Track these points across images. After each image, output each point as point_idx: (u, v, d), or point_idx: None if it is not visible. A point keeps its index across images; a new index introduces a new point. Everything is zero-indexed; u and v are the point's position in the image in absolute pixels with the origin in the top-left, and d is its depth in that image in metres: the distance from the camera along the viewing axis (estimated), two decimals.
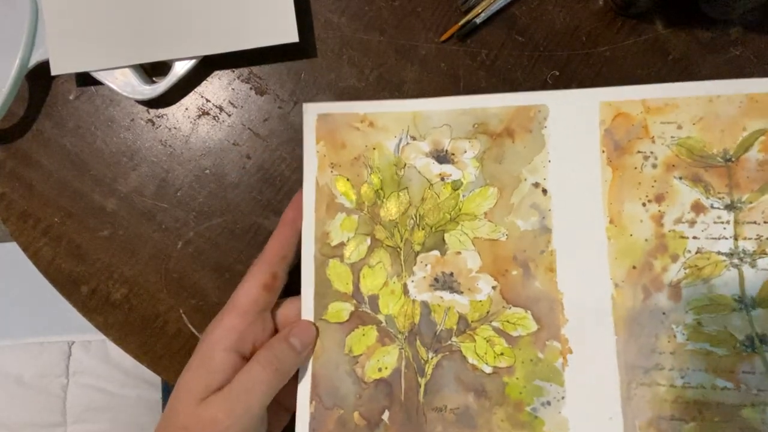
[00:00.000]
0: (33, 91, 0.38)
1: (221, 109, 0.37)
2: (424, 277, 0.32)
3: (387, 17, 0.36)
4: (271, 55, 0.34)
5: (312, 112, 0.35)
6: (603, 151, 0.32)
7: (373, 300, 0.33)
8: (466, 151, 0.33)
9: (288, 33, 0.33)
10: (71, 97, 0.38)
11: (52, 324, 0.52)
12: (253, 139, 0.37)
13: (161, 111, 0.37)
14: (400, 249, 0.33)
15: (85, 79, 0.37)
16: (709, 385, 0.29)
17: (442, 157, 0.34)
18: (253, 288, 0.31)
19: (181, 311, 0.37)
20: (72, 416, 0.50)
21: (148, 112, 0.37)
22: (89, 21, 0.34)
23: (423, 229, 0.33)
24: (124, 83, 0.35)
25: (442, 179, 0.33)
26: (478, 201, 0.33)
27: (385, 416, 0.31)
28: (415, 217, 0.33)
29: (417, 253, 0.33)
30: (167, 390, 0.31)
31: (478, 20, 0.35)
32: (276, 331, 0.33)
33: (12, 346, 0.51)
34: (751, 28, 0.32)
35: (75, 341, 0.52)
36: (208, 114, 0.37)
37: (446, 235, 0.33)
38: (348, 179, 0.34)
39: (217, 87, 0.37)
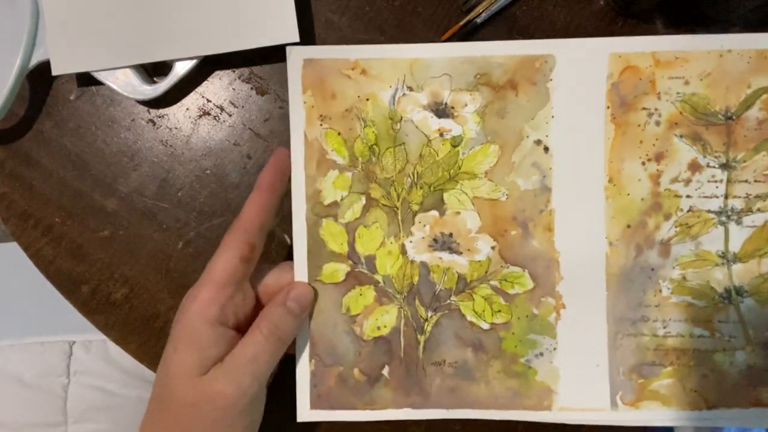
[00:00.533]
0: (34, 91, 0.37)
1: (222, 109, 0.36)
2: (423, 238, 0.32)
3: (387, 17, 0.35)
4: (272, 55, 0.33)
5: (297, 56, 0.31)
6: (608, 107, 0.31)
7: (370, 260, 0.32)
8: (466, 105, 0.31)
9: (289, 33, 0.33)
10: (72, 97, 0.37)
11: (53, 324, 0.51)
12: (253, 139, 0.36)
13: (162, 111, 0.37)
14: (398, 209, 0.32)
15: (85, 79, 0.37)
16: (688, 334, 0.31)
17: (441, 110, 0.31)
18: (230, 260, 0.29)
19: None
20: (73, 416, 0.50)
21: (149, 112, 0.37)
22: (90, 21, 0.34)
23: (421, 188, 0.32)
24: (125, 83, 0.34)
25: (441, 135, 0.32)
26: (478, 159, 0.31)
27: (385, 371, 0.32)
28: (413, 175, 0.32)
29: (415, 213, 0.32)
30: None
31: (478, 20, 0.33)
32: (257, 299, 0.32)
33: (12, 346, 0.50)
34: (752, 28, 0.32)
35: (76, 341, 0.51)
36: (208, 114, 0.36)
37: (445, 195, 0.32)
38: (339, 133, 0.32)
39: (217, 87, 0.37)
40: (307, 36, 0.35)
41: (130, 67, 0.34)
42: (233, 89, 0.36)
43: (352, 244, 0.32)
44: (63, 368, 0.49)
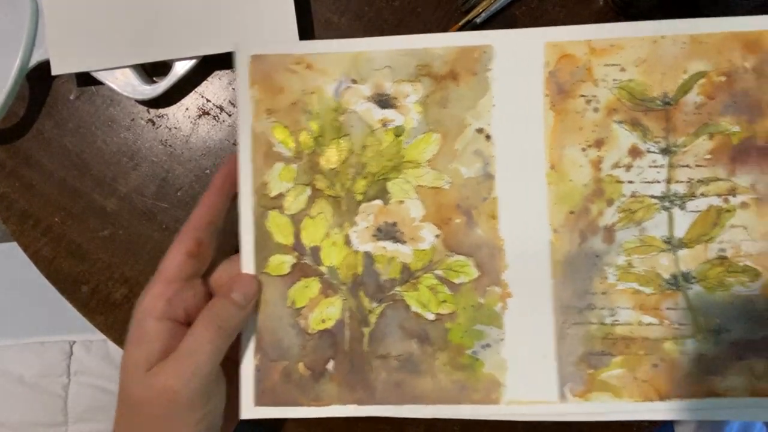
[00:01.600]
0: (33, 91, 0.37)
1: (221, 109, 0.37)
2: (367, 228, 0.32)
3: (387, 17, 0.35)
4: None
5: (244, 52, 0.32)
6: (546, 95, 0.31)
7: (315, 252, 0.32)
8: (408, 95, 0.32)
9: (288, 33, 0.33)
10: (72, 97, 0.37)
11: (53, 323, 0.52)
12: None
13: (161, 111, 0.37)
14: (342, 199, 0.32)
15: (85, 79, 0.37)
16: (636, 322, 0.31)
17: (383, 101, 0.32)
18: (177, 255, 0.30)
19: None
20: (73, 416, 0.50)
21: (149, 112, 0.37)
22: (90, 21, 0.34)
23: (365, 177, 0.32)
24: (125, 83, 0.34)
25: (384, 125, 0.32)
26: (421, 148, 0.32)
27: (330, 366, 0.32)
28: (357, 165, 0.32)
29: (359, 203, 0.32)
30: None
31: (478, 20, 0.34)
32: (211, 296, 0.32)
33: (13, 346, 0.51)
34: None
35: (76, 341, 0.51)
36: (208, 114, 0.37)
37: (389, 184, 0.32)
38: (286, 126, 0.32)
39: (217, 87, 0.37)
40: (307, 36, 0.36)
41: (130, 67, 0.35)
42: (233, 89, 0.37)
43: (297, 236, 0.32)
44: (63, 368, 0.50)
